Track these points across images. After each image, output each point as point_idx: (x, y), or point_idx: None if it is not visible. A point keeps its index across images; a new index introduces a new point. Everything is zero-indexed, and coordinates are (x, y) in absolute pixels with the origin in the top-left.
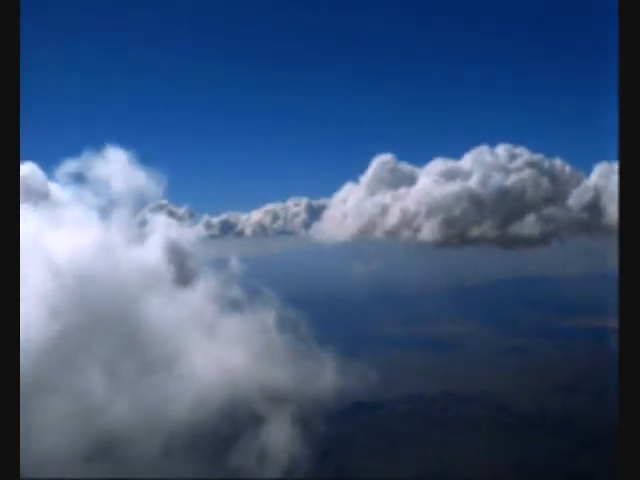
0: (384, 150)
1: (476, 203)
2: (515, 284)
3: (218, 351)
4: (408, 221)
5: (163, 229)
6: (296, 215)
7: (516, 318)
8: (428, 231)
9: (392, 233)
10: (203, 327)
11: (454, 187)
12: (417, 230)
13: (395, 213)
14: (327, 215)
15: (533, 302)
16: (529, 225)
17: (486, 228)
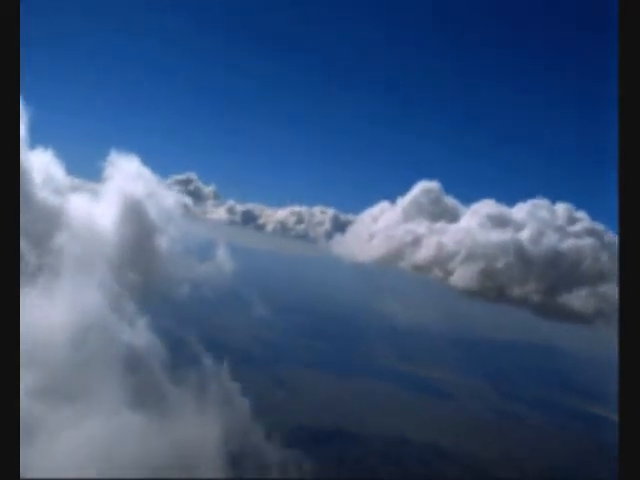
0: (431, 177)
1: (524, 260)
2: (537, 353)
3: None
4: (442, 260)
5: (125, 182)
6: (320, 223)
7: (523, 386)
8: (462, 276)
9: (420, 268)
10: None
11: (502, 235)
12: (450, 272)
13: (430, 247)
14: (353, 230)
15: (548, 375)
16: (579, 299)
17: (529, 290)
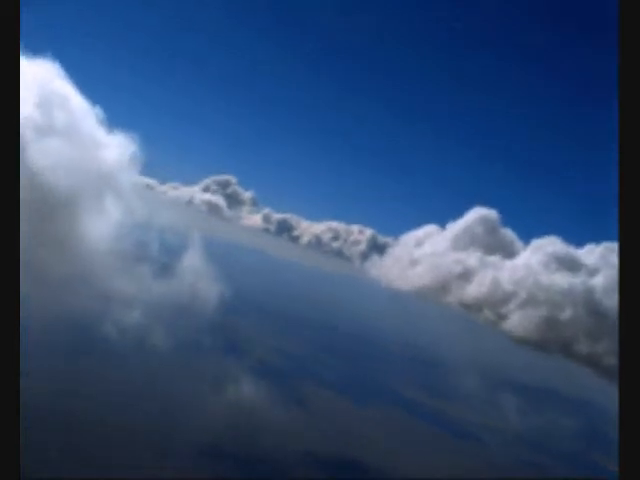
0: (489, 206)
1: (596, 312)
2: (588, 413)
3: None
4: (496, 300)
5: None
6: (356, 243)
7: (559, 442)
8: (518, 323)
9: (468, 305)
10: None
11: (571, 280)
12: (503, 316)
13: (483, 283)
14: (393, 253)
15: (593, 438)
16: None
17: (601, 350)
